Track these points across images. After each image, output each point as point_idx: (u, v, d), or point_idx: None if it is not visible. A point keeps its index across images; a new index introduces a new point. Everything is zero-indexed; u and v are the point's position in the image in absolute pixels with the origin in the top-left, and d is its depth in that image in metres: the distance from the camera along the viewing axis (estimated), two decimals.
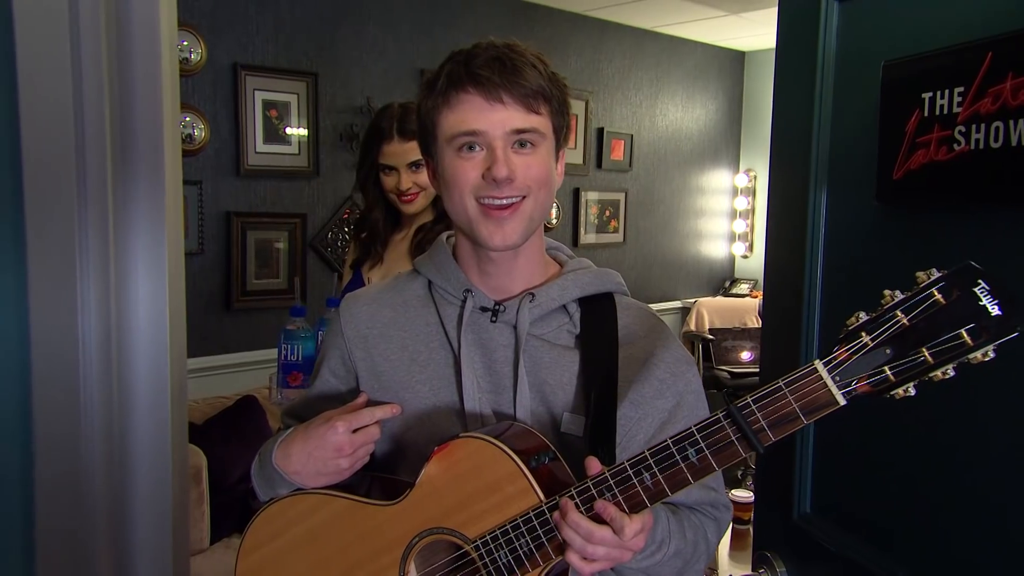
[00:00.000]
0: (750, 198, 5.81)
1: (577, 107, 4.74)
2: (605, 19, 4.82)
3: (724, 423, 0.86)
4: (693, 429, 0.88)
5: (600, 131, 4.93)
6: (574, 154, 4.79)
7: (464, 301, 1.10)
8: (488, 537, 0.96)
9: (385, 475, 1.10)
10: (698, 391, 1.13)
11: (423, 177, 1.98)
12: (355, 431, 1.04)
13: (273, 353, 3.62)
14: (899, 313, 0.79)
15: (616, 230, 5.13)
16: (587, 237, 4.95)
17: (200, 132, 3.33)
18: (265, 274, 3.60)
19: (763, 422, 0.84)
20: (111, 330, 0.76)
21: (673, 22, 4.92)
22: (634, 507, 0.90)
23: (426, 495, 0.99)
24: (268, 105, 3.54)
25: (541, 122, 1.03)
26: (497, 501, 0.95)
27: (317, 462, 1.04)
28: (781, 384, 0.84)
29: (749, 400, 0.85)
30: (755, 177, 5.79)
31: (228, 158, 3.46)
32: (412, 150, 1.97)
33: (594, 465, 0.92)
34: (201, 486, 2.74)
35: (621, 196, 5.12)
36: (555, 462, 0.98)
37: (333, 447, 1.03)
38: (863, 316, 0.81)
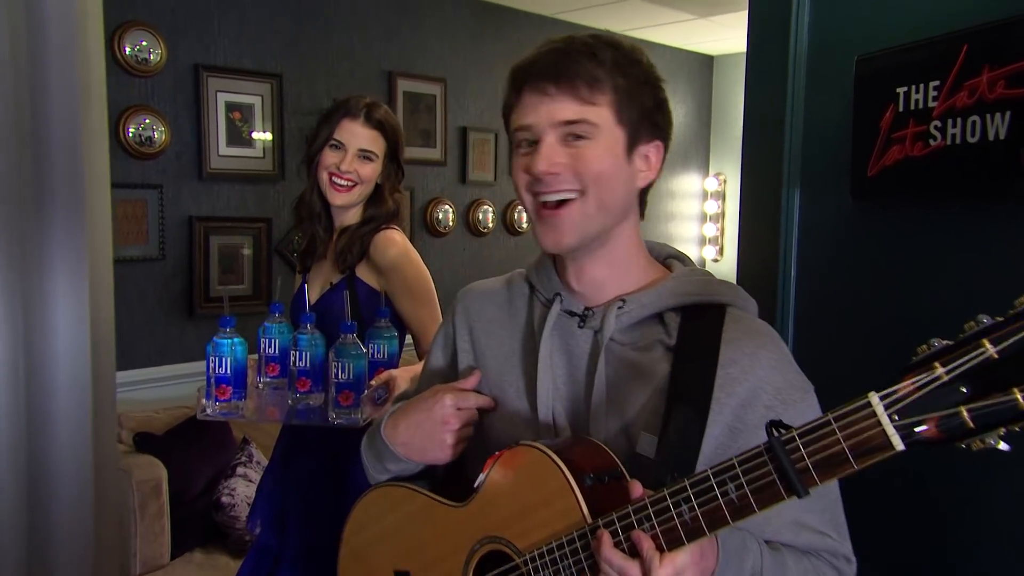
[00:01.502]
0: (720, 202, 5.82)
1: None
2: (574, 22, 4.80)
3: (766, 457, 0.76)
4: (734, 461, 0.78)
5: None
6: None
7: (553, 304, 1.06)
8: (536, 553, 0.92)
9: (458, 474, 1.11)
10: None
11: (367, 170, 1.92)
12: (460, 409, 1.05)
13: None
14: (986, 343, 0.65)
15: None
16: None
17: (160, 135, 3.24)
18: (229, 280, 3.52)
19: (808, 461, 0.73)
20: (20, 351, 0.70)
21: (642, 26, 4.91)
22: (671, 542, 0.82)
23: (488, 501, 0.98)
24: (231, 107, 3.46)
25: (597, 113, 0.96)
26: (547, 516, 0.92)
27: (424, 434, 1.06)
28: (830, 418, 0.72)
29: (795, 434, 0.74)
30: (725, 181, 5.80)
31: (190, 161, 3.38)
32: (369, 139, 1.91)
33: (635, 488, 0.86)
34: (161, 499, 2.66)
35: None
36: (619, 482, 0.91)
37: (440, 419, 1.05)
38: (938, 343, 0.68)
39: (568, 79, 0.95)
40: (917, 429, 0.67)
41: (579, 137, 0.96)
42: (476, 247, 4.50)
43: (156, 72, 3.23)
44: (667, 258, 1.11)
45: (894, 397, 0.68)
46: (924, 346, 0.68)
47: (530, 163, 0.97)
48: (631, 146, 0.99)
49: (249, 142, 3.53)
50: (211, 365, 1.68)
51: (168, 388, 3.35)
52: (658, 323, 1.02)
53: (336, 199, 1.91)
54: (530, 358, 1.07)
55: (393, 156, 1.98)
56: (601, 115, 0.96)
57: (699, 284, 1.03)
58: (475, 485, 0.99)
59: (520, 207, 4.81)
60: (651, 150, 1.02)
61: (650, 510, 0.82)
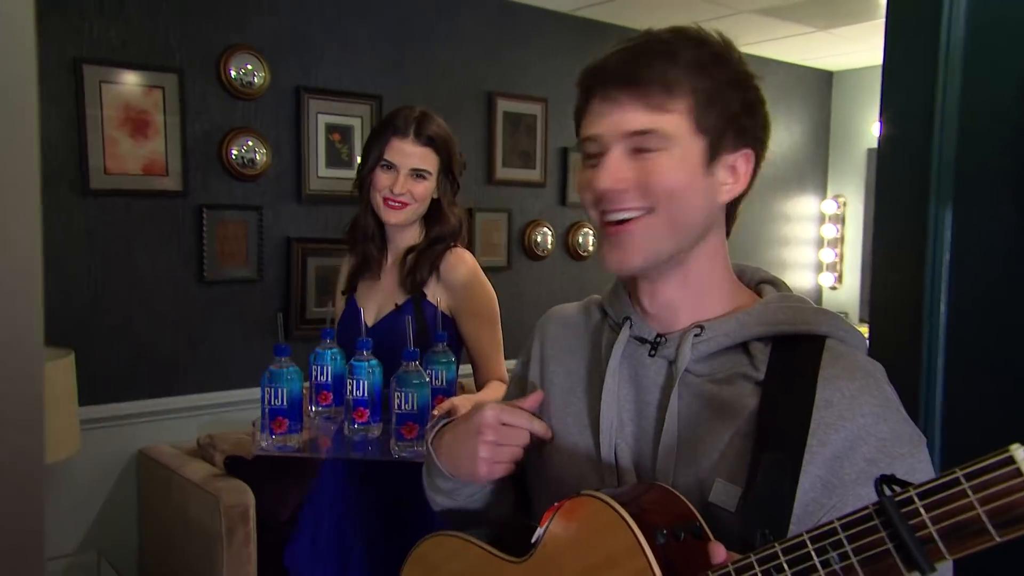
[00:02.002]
0: (839, 225, 5.47)
1: None
2: None
3: (877, 521, 0.62)
4: (837, 524, 0.64)
5: None
6: None
7: (622, 329, 0.96)
8: None
9: (520, 521, 1.00)
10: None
11: (421, 189, 1.84)
12: (504, 424, 0.96)
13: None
14: None
15: None
16: None
17: (262, 156, 3.26)
18: (325, 301, 3.50)
19: (932, 528, 0.59)
20: None
21: (756, 40, 4.67)
22: None
23: (548, 559, 0.87)
24: (331, 128, 3.46)
25: (670, 121, 0.85)
26: None
27: (459, 443, 0.99)
28: (960, 475, 0.58)
29: (914, 493, 0.60)
30: (845, 204, 5.45)
31: (289, 183, 3.39)
32: (422, 156, 1.83)
33: (718, 552, 0.73)
34: (248, 526, 2.61)
35: None
36: (697, 539, 0.80)
37: (475, 429, 0.96)
38: None
39: (639, 84, 0.85)
40: None
41: (650, 149, 0.86)
42: (575, 271, 4.35)
43: (259, 95, 3.25)
44: (760, 283, 0.98)
45: None
46: None
47: (593, 178, 0.87)
48: (712, 156, 0.87)
49: (348, 163, 3.51)
50: (266, 397, 1.59)
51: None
52: (743, 354, 0.90)
53: (391, 217, 1.84)
54: (596, 390, 0.97)
55: (447, 170, 1.89)
56: (676, 123, 0.85)
57: (791, 312, 0.90)
58: (533, 540, 0.87)
59: None
60: (739, 160, 0.90)
61: None
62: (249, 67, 3.22)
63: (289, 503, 2.82)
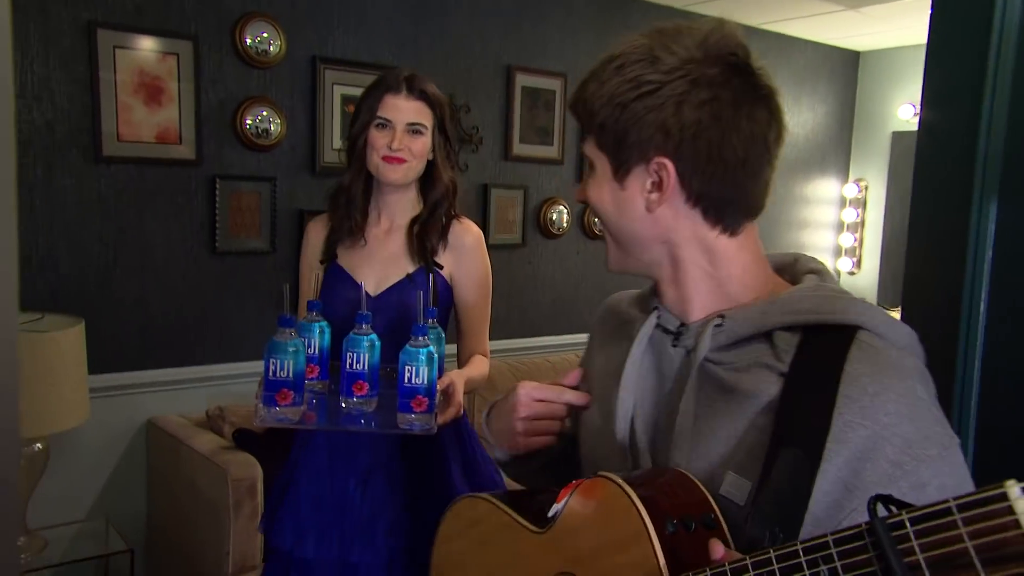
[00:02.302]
0: (860, 210, 5.38)
1: None
2: (704, 13, 4.49)
3: (867, 541, 0.60)
4: (829, 539, 0.62)
5: None
6: None
7: (650, 316, 0.98)
8: None
9: (549, 489, 1.02)
10: (956, 488, 0.77)
11: (418, 145, 1.82)
12: (539, 400, 1.05)
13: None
14: None
15: None
16: None
17: (276, 127, 3.22)
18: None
19: (920, 556, 0.57)
20: None
21: (782, 18, 4.57)
22: None
23: (565, 533, 0.90)
24: (347, 100, 3.40)
25: (589, 146, 0.93)
26: (622, 562, 0.81)
27: (500, 418, 1.09)
28: (952, 505, 0.55)
29: (906, 517, 0.57)
30: (867, 188, 5.35)
31: (303, 155, 3.34)
32: (417, 111, 1.81)
33: (715, 549, 0.73)
34: (256, 500, 2.60)
35: None
36: (708, 531, 0.79)
37: (511, 405, 1.06)
38: None
39: (577, 113, 0.93)
40: None
41: (591, 171, 0.94)
42: (591, 250, 4.29)
43: (275, 64, 3.20)
44: (806, 273, 0.93)
45: None
46: None
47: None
48: (618, 174, 0.90)
49: None
50: (270, 368, 1.55)
51: None
52: (765, 343, 0.86)
53: (391, 174, 1.81)
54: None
55: (441, 127, 1.87)
56: (591, 149, 0.92)
57: (818, 300, 0.86)
58: (550, 515, 0.91)
59: None
60: (651, 170, 0.87)
61: None
62: (265, 35, 3.16)
63: None
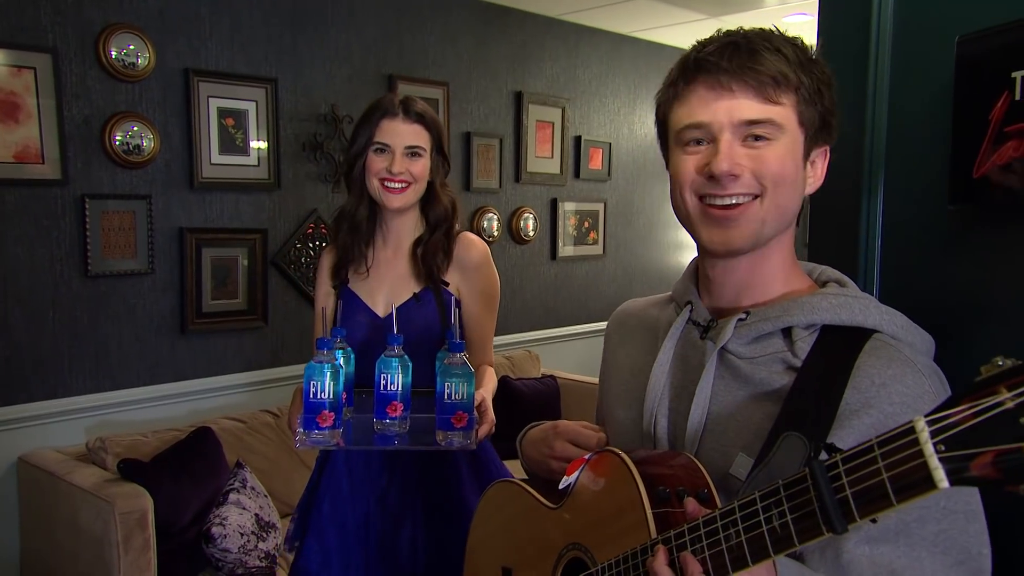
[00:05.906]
0: None
1: (553, 115, 4.54)
2: (580, 23, 4.63)
3: (809, 483, 0.66)
4: (780, 485, 0.69)
5: (577, 139, 4.73)
6: (551, 163, 4.59)
7: (683, 311, 1.03)
8: (606, 565, 0.89)
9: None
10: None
11: (418, 167, 1.82)
12: (573, 443, 1.10)
13: (235, 379, 3.40)
14: None
15: (595, 241, 4.93)
16: (565, 249, 4.74)
17: (149, 143, 3.07)
18: (223, 294, 3.34)
19: (848, 492, 0.64)
20: None
21: (651, 26, 4.75)
22: (717, 569, 0.75)
23: (576, 505, 0.99)
24: (224, 113, 3.29)
25: (781, 113, 0.90)
26: (621, 528, 0.88)
27: (535, 448, 1.15)
28: (874, 443, 0.62)
29: (839, 459, 0.65)
30: None
31: (180, 170, 3.20)
32: (414, 134, 1.81)
33: (689, 505, 0.81)
34: (147, 532, 2.47)
35: (600, 206, 4.93)
36: (704, 503, 0.85)
37: (548, 446, 1.12)
38: (1004, 362, 0.56)
39: (753, 75, 0.89)
40: (968, 464, 0.56)
41: (759, 138, 0.90)
42: (519, 254, 4.33)
43: (144, 77, 3.06)
44: (827, 281, 1.00)
45: (944, 423, 0.57)
46: (988, 365, 0.56)
47: (703, 162, 0.91)
48: (808, 150, 0.93)
49: (243, 150, 3.36)
50: (310, 391, 1.55)
51: (158, 409, 3.17)
52: (782, 339, 0.94)
53: (393, 201, 1.81)
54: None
55: (439, 149, 1.89)
56: (785, 115, 0.90)
57: (838, 304, 0.92)
58: (562, 488, 1.00)
59: (526, 215, 4.63)
60: (820, 155, 0.96)
61: (702, 531, 0.76)
62: (132, 47, 3.02)
63: (191, 506, 2.70)
